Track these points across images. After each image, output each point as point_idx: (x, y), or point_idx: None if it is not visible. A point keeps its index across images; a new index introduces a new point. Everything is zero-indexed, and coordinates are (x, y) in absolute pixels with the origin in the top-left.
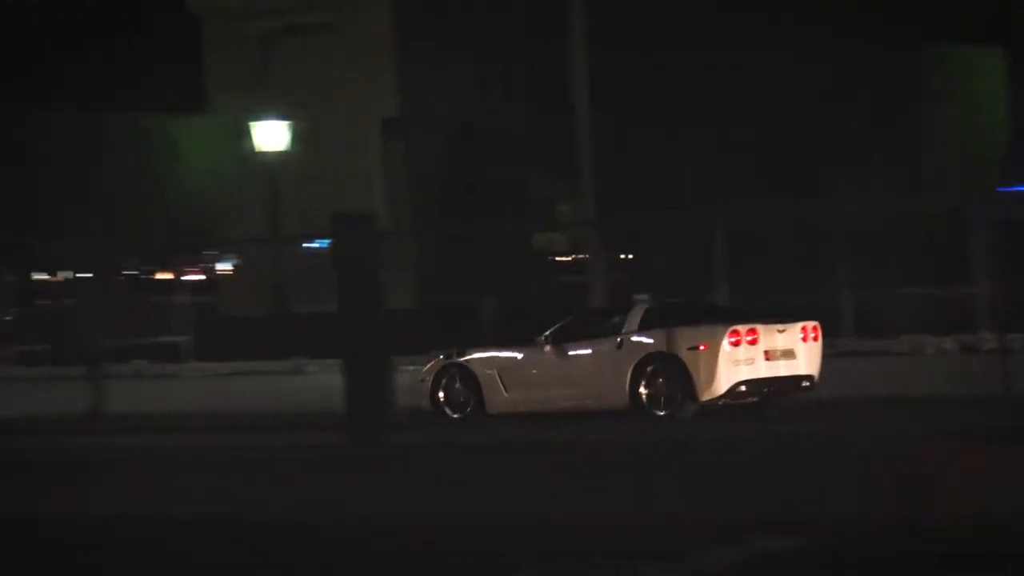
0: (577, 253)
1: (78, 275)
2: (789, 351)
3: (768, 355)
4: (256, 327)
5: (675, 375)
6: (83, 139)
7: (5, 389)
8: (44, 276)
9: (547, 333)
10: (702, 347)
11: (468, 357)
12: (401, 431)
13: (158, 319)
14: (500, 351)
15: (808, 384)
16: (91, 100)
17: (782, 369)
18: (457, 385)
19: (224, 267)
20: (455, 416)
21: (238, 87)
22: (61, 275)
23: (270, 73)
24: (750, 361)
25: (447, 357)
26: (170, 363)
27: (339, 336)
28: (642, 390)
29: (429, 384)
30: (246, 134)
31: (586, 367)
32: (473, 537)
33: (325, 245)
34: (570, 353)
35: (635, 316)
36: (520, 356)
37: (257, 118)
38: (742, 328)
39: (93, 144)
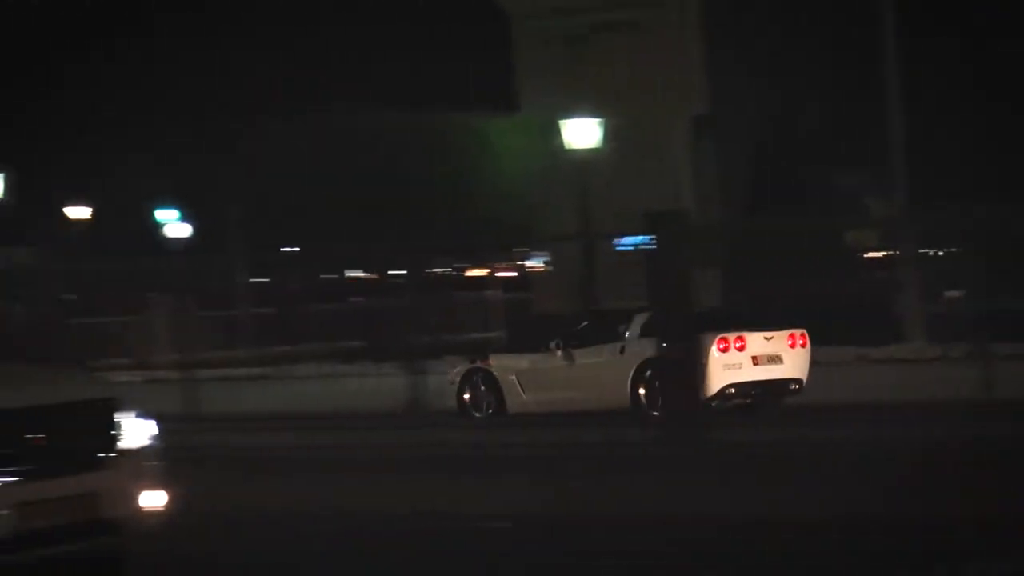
0: (889, 249)
1: (391, 272)
2: (776, 356)
3: (756, 360)
4: (565, 324)
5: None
6: (397, 139)
7: (324, 386)
8: (359, 273)
9: (558, 339)
10: None
11: (490, 362)
12: (716, 428)
13: (470, 316)
14: (518, 356)
15: (796, 387)
16: (404, 100)
17: (770, 373)
18: (481, 388)
19: (535, 264)
20: (477, 415)
21: (548, 85)
22: (374, 272)
23: (579, 71)
24: (738, 366)
25: (472, 362)
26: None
27: (653, 332)
28: (641, 392)
29: (456, 386)
30: (557, 132)
31: (593, 371)
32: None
33: (635, 242)
34: (578, 358)
35: (637, 324)
36: (536, 361)
37: (567, 116)
38: (730, 335)
39: (408, 144)
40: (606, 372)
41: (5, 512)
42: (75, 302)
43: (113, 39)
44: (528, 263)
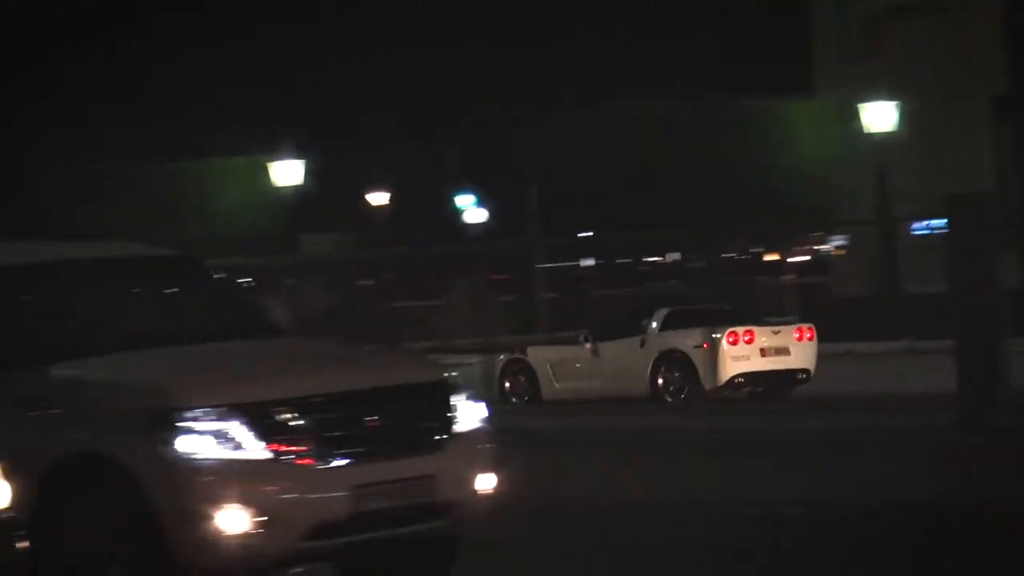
0: None
1: (686, 257)
2: (784, 348)
3: (764, 352)
4: (865, 307)
5: (685, 369)
6: (695, 125)
7: None
8: (655, 258)
9: (587, 333)
10: (705, 346)
11: (528, 354)
12: (1016, 415)
13: (767, 300)
14: (552, 348)
15: (804, 376)
16: (701, 86)
17: (777, 364)
18: (520, 377)
19: (832, 248)
20: (515, 402)
21: (845, 69)
22: (669, 257)
23: (877, 54)
24: (746, 358)
25: (512, 353)
26: None
27: (951, 317)
28: (659, 381)
29: (497, 375)
30: (854, 116)
31: (617, 362)
32: None
33: (933, 226)
34: (604, 350)
35: (657, 319)
36: (567, 352)
37: (865, 100)
38: (739, 329)
39: (705, 129)
40: (628, 363)
41: (341, 494)
42: (376, 287)
43: (398, 30)
44: (826, 247)
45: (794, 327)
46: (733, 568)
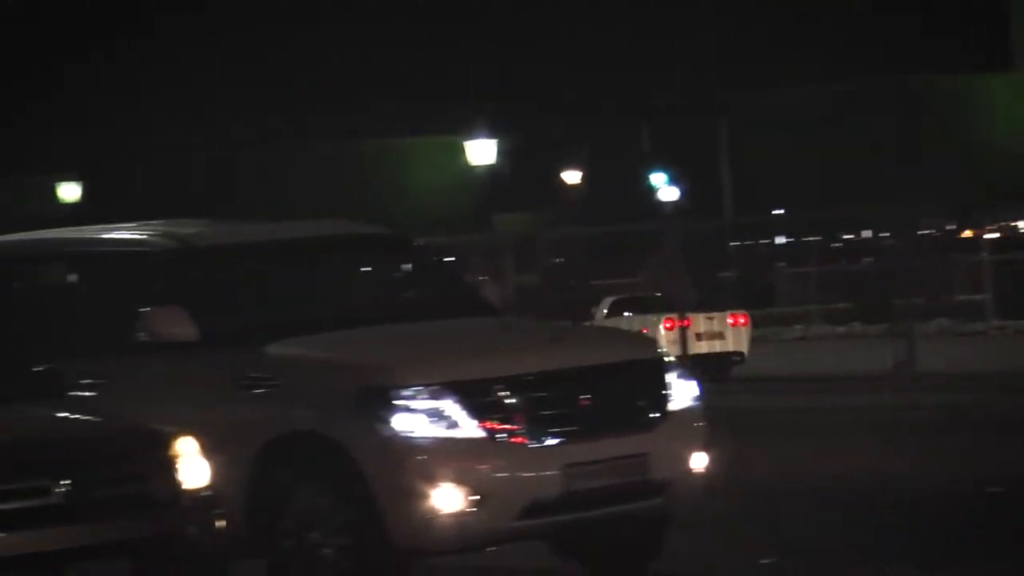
0: None
1: (879, 234)
2: (718, 333)
3: (700, 337)
4: None
5: None
6: (884, 102)
7: (814, 347)
8: (848, 236)
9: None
10: (644, 331)
11: None
12: None
13: (963, 277)
14: None
15: (738, 359)
16: (894, 64)
17: (713, 348)
18: None
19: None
20: None
21: None
22: (864, 234)
23: None
24: (682, 342)
25: None
26: (974, 321)
27: None
28: None
29: None
30: None
31: None
32: None
33: None
34: None
35: (603, 307)
36: None
37: None
38: (675, 316)
39: (898, 107)
40: None
41: (554, 473)
42: (567, 265)
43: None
44: (1022, 223)
45: (728, 313)
46: (952, 546)
